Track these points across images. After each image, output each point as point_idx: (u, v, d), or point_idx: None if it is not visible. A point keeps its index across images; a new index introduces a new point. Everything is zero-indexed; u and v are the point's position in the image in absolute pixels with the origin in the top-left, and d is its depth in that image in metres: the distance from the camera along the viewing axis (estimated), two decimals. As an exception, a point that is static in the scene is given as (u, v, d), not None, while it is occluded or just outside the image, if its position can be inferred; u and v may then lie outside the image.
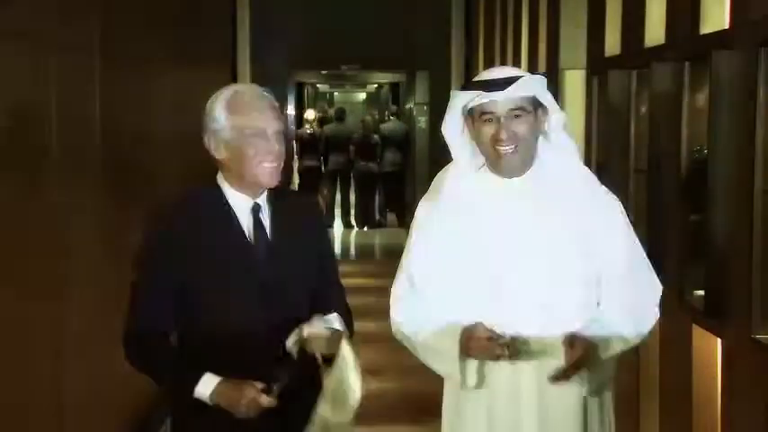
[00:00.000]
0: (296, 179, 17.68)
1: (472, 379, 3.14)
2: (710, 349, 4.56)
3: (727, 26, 4.47)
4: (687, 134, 4.87)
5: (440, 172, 3.34)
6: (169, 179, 7.25)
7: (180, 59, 7.80)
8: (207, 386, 2.91)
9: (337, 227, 17.29)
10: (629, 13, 5.75)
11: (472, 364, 3.12)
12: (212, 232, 2.99)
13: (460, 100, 3.17)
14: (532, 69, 8.32)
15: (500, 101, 3.09)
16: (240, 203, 3.02)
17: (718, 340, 4.47)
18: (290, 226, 3.07)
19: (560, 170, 3.20)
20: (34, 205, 4.26)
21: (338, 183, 17.34)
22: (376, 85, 23.58)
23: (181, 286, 2.96)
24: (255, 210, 3.02)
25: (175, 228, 3.01)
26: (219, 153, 2.99)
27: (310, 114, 17.96)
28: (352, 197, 17.39)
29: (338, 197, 17.48)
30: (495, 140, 3.11)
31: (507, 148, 3.11)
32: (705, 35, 4.65)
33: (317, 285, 3.09)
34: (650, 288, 3.27)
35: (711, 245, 4.48)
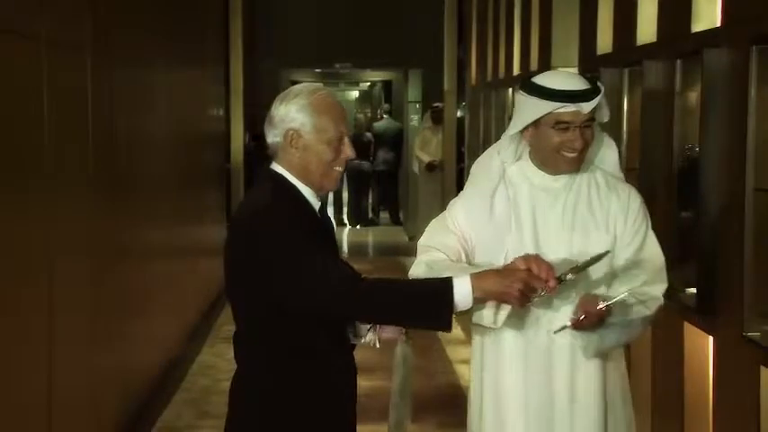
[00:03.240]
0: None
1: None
2: (702, 347, 4.57)
3: (718, 24, 4.48)
4: (679, 132, 4.88)
5: (480, 158, 3.40)
6: (163, 179, 7.24)
7: (173, 58, 7.80)
8: (463, 284, 2.86)
9: (330, 225, 17.27)
10: (621, 11, 5.76)
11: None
12: (308, 215, 3.01)
13: (540, 109, 3.20)
14: (525, 67, 8.32)
15: (583, 112, 3.17)
16: (308, 194, 3.03)
17: (710, 338, 4.48)
18: None
19: (599, 165, 3.35)
20: (27, 204, 4.26)
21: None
22: (369, 84, 23.55)
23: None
24: (323, 205, 3.08)
25: (292, 207, 2.97)
26: (294, 151, 2.98)
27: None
28: (345, 195, 17.39)
29: (331, 195, 17.46)
30: (566, 147, 3.20)
31: (574, 154, 3.21)
32: (697, 33, 4.66)
33: None
34: (657, 280, 3.32)
35: (703, 242, 4.49)
